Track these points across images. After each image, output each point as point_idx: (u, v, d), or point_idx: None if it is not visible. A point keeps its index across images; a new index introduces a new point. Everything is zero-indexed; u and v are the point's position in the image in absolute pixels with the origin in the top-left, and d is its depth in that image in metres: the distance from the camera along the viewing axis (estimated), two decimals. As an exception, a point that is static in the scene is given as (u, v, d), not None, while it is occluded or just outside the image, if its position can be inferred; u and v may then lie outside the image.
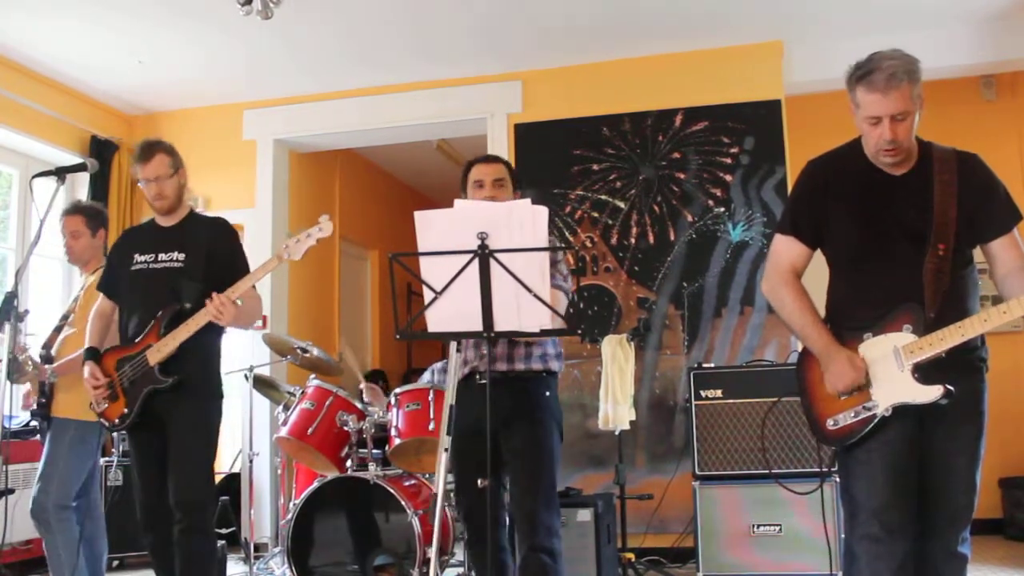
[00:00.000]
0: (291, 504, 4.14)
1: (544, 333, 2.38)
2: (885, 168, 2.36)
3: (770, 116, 5.23)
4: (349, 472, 3.92)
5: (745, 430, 4.17)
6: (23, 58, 5.20)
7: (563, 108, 5.55)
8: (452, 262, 2.33)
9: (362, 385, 4.45)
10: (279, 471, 4.84)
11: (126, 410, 3.14)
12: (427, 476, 4.09)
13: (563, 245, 4.84)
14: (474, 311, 2.34)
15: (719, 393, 4.25)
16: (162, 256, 3.23)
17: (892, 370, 2.26)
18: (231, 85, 5.77)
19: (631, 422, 4.43)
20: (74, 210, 3.87)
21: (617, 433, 4.40)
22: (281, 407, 4.49)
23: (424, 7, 4.76)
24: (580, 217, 5.43)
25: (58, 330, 3.81)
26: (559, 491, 4.17)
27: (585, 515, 3.93)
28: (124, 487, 4.82)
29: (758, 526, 4.07)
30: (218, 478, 5.04)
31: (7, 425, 4.31)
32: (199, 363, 3.18)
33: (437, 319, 2.39)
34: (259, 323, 5.59)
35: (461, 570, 4.13)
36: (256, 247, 5.43)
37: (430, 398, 3.75)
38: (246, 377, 4.52)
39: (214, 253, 3.23)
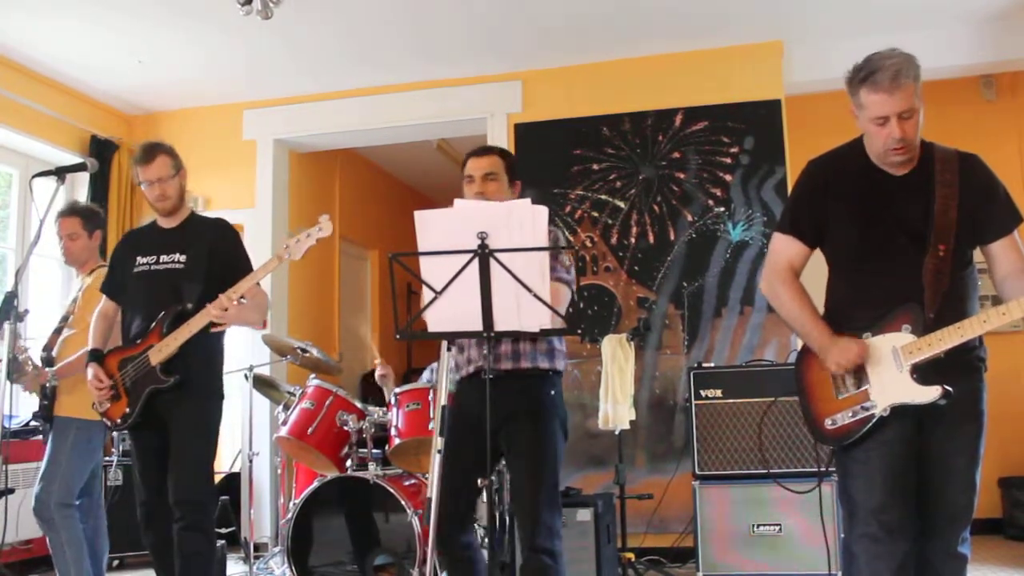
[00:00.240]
0: (291, 504, 4.14)
1: (544, 333, 2.38)
2: (887, 168, 2.36)
3: (770, 116, 5.23)
4: (349, 472, 3.92)
5: (745, 430, 4.17)
6: (23, 58, 5.20)
7: (563, 108, 5.55)
8: (452, 262, 2.33)
9: (377, 361, 4.47)
10: (279, 471, 4.84)
11: (128, 410, 3.16)
12: (427, 476, 4.08)
13: (563, 245, 4.85)
14: (474, 311, 2.34)
15: (719, 393, 4.25)
16: (164, 258, 3.25)
17: (891, 370, 2.26)
18: (231, 85, 5.77)
19: (631, 422, 4.43)
20: (70, 212, 3.86)
21: (617, 433, 4.40)
22: (281, 407, 4.49)
23: (424, 7, 4.76)
24: (580, 217, 5.43)
25: (58, 332, 3.81)
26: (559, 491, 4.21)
27: (585, 515, 3.93)
28: (124, 487, 4.82)
29: (758, 526, 4.07)
30: (218, 478, 5.04)
31: (7, 425, 4.31)
32: (201, 363, 3.20)
33: (437, 319, 2.39)
34: (263, 320, 5.60)
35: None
36: (256, 247, 5.41)
37: (430, 398, 3.76)
38: (246, 377, 4.52)
39: (216, 253, 3.24)
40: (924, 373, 2.22)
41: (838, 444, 2.34)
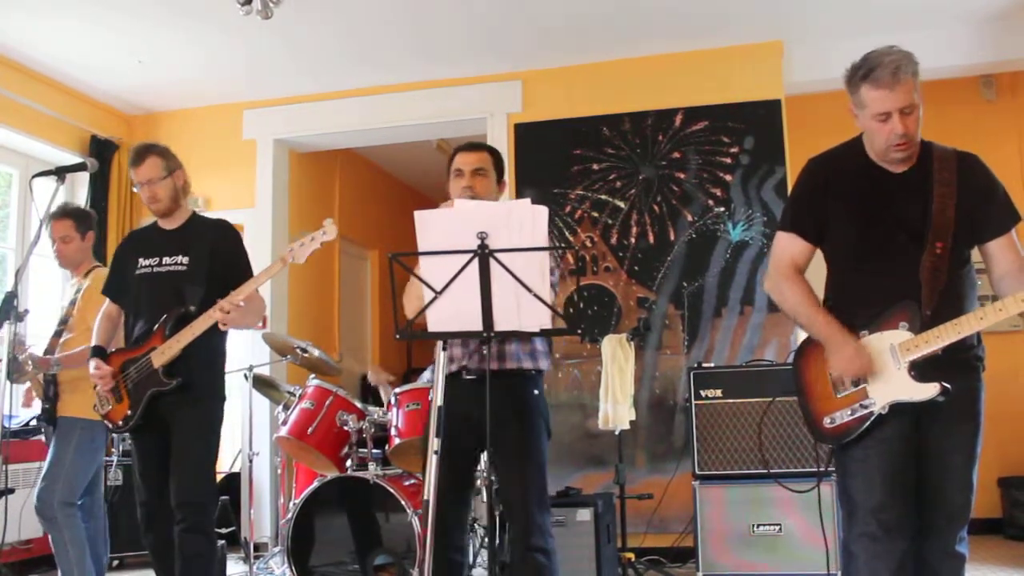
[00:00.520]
0: (291, 504, 4.15)
1: (544, 333, 2.38)
2: (886, 166, 2.36)
3: (770, 116, 5.23)
4: (349, 472, 3.92)
5: (745, 430, 4.17)
6: (23, 58, 5.20)
7: (563, 108, 5.55)
8: (452, 262, 2.33)
9: (371, 369, 4.46)
10: (279, 471, 4.85)
11: (130, 412, 3.16)
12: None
13: (563, 245, 4.85)
14: (474, 311, 2.34)
15: (719, 393, 4.25)
16: (166, 260, 3.24)
17: (889, 368, 2.26)
18: (231, 85, 5.77)
19: (631, 422, 4.43)
20: (62, 214, 3.84)
21: (617, 433, 4.40)
22: (281, 407, 4.50)
23: (424, 7, 4.76)
24: (580, 217, 5.43)
25: (58, 335, 3.80)
26: (559, 491, 4.22)
27: (585, 515, 3.93)
28: (124, 487, 4.82)
29: (758, 526, 4.07)
30: (218, 478, 5.05)
31: (7, 425, 4.31)
32: (203, 365, 3.19)
33: (437, 319, 2.39)
34: (260, 323, 5.60)
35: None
36: (256, 247, 5.43)
37: (430, 397, 3.75)
38: (246, 377, 4.52)
39: (218, 255, 3.24)
40: (922, 370, 2.23)
41: (837, 442, 2.34)
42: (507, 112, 5.63)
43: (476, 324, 2.36)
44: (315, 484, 3.89)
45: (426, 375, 4.49)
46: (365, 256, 7.80)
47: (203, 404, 3.19)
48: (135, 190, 3.31)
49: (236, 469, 5.72)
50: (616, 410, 4.35)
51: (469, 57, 5.45)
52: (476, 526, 4.11)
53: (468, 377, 2.69)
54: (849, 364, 2.28)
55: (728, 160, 5.26)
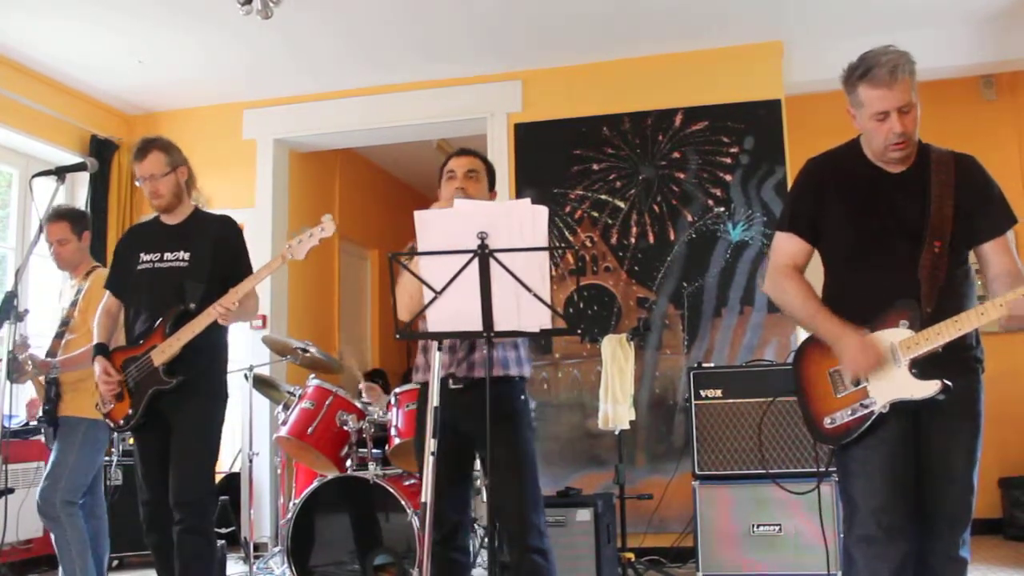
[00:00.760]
0: (291, 504, 4.15)
1: (545, 333, 2.38)
2: (884, 166, 2.37)
3: (770, 116, 5.23)
4: (349, 472, 3.92)
5: (745, 430, 4.17)
6: (23, 58, 5.20)
7: (563, 108, 5.55)
8: (452, 262, 2.32)
9: (361, 385, 4.46)
10: (279, 471, 4.85)
11: (131, 411, 3.15)
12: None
13: (563, 245, 4.85)
14: (474, 311, 2.34)
15: (719, 393, 4.25)
16: (168, 255, 3.23)
17: (889, 366, 2.26)
18: (231, 85, 5.77)
19: (631, 422, 4.43)
20: (57, 216, 3.81)
21: (617, 433, 4.40)
22: (281, 407, 4.50)
23: (424, 7, 4.77)
24: (580, 217, 5.43)
25: (59, 336, 3.79)
26: (559, 491, 4.22)
27: (585, 515, 3.93)
28: (124, 486, 4.82)
29: (758, 526, 4.07)
30: (218, 478, 5.05)
31: (7, 425, 4.31)
32: (204, 364, 3.19)
33: (437, 319, 2.39)
34: (259, 322, 5.61)
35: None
36: (256, 247, 5.36)
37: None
38: (246, 377, 4.52)
39: (219, 250, 3.23)
40: (923, 368, 2.22)
41: (837, 443, 2.34)
42: (507, 112, 5.63)
43: (476, 324, 2.36)
44: (315, 484, 3.89)
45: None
46: (365, 256, 7.80)
47: (204, 403, 3.19)
48: (137, 184, 3.30)
49: (236, 469, 5.72)
50: (616, 410, 4.35)
51: (469, 57, 5.45)
52: (476, 526, 4.11)
53: (455, 387, 2.70)
54: (861, 358, 2.24)
55: (728, 160, 5.26)
